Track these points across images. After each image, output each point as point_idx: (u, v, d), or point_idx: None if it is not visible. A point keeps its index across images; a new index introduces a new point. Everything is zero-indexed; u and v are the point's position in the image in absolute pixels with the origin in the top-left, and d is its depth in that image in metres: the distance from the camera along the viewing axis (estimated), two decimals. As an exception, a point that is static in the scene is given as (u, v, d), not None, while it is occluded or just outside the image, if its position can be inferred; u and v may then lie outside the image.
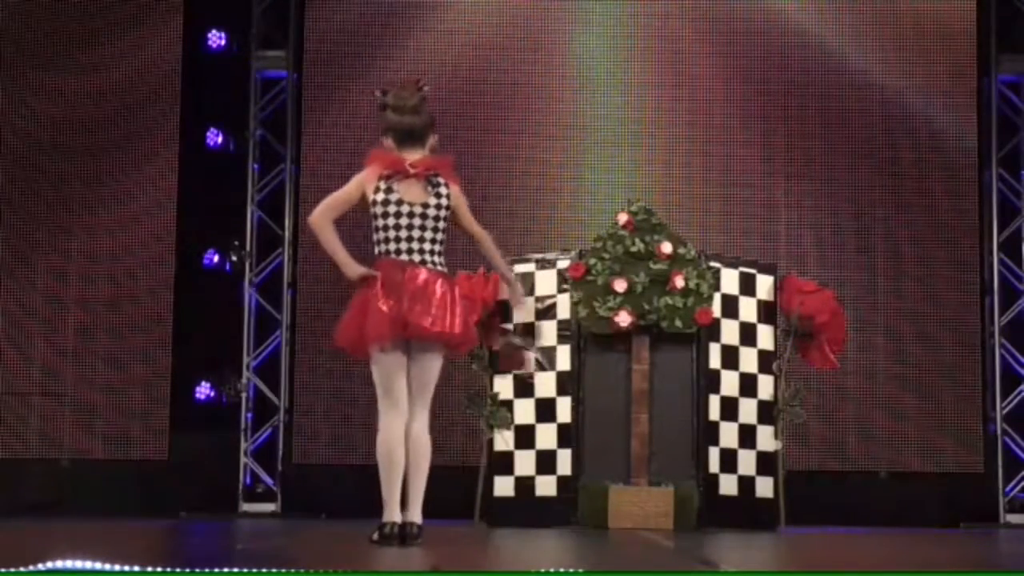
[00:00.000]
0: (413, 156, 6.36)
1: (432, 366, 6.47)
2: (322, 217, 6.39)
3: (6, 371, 11.96)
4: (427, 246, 6.31)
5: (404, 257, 6.29)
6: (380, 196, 6.30)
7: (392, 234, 6.31)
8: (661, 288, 9.04)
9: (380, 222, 6.32)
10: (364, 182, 6.35)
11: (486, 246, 6.56)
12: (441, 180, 6.37)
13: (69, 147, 12.17)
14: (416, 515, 6.49)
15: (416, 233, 6.29)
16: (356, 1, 12.29)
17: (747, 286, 9.43)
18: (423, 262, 6.30)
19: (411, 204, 6.30)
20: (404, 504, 6.50)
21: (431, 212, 6.31)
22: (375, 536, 6.41)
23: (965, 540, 8.47)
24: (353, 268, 6.35)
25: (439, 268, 6.36)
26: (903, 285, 11.92)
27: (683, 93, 12.07)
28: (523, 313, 8.73)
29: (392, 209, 6.29)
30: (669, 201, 11.58)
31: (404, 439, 6.47)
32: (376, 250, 6.41)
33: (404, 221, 6.29)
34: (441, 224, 6.33)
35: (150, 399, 11.95)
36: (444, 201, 6.34)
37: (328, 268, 11.92)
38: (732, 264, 9.44)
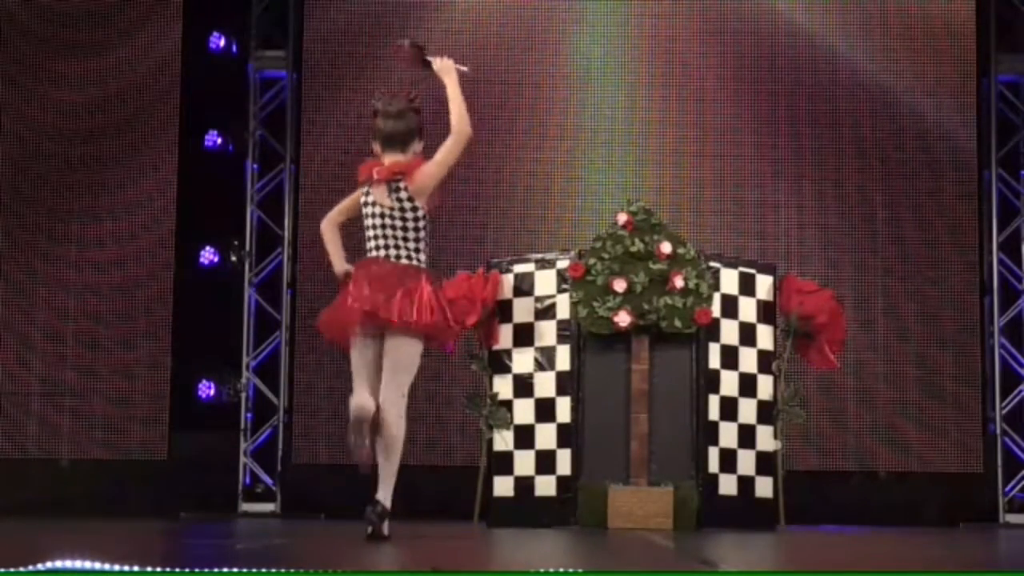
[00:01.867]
0: (391, 160, 6.81)
1: (401, 352, 6.76)
2: (326, 222, 7.03)
3: (5, 371, 11.96)
4: (400, 243, 6.74)
5: (379, 253, 6.75)
6: (363, 199, 6.83)
7: (370, 233, 6.80)
8: (661, 288, 9.04)
9: (364, 223, 6.84)
10: (358, 192, 6.89)
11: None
12: (402, 184, 6.76)
13: (69, 149, 12.17)
14: (383, 496, 6.72)
15: (388, 232, 6.74)
16: (356, 1, 12.29)
17: (746, 286, 9.43)
18: (397, 257, 6.74)
19: (380, 206, 6.77)
20: (375, 486, 6.76)
21: (396, 213, 6.73)
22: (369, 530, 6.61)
23: (965, 540, 8.47)
24: (339, 266, 6.96)
25: (413, 263, 6.76)
26: (902, 285, 11.93)
27: (683, 93, 12.08)
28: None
29: (368, 211, 6.80)
30: (669, 201, 11.60)
31: (372, 422, 6.69)
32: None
33: (377, 221, 6.77)
34: (410, 223, 6.76)
35: (150, 399, 11.96)
36: (407, 204, 6.74)
37: (327, 268, 11.99)
38: (731, 264, 9.44)
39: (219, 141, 12.20)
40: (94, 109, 12.20)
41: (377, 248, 6.75)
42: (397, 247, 6.73)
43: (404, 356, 6.78)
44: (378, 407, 6.73)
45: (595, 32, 12.16)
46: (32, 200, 12.12)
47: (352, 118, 12.09)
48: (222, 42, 12.23)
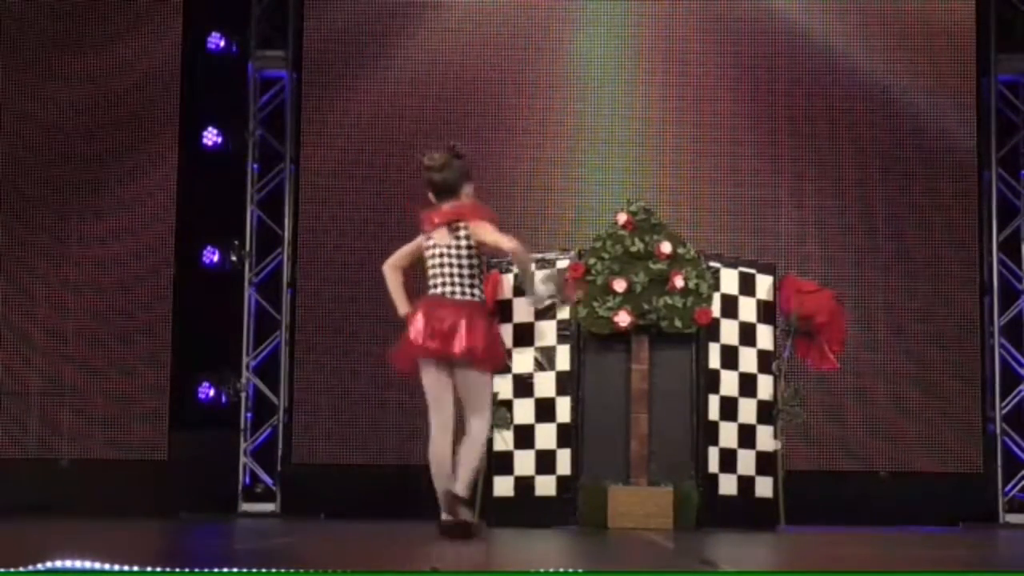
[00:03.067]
0: (447, 205, 7.31)
1: (470, 382, 7.32)
2: (388, 266, 7.53)
3: (6, 371, 11.96)
4: (457, 279, 7.26)
5: (439, 291, 7.27)
6: (425, 243, 7.36)
7: (432, 272, 7.33)
8: (660, 288, 9.04)
9: (426, 263, 7.36)
10: (421, 237, 7.40)
11: (517, 259, 7.47)
12: (462, 224, 7.28)
13: (70, 149, 12.17)
14: (459, 488, 7.22)
15: (447, 270, 7.27)
16: (356, 1, 12.28)
17: (746, 286, 9.43)
18: (453, 293, 7.26)
19: (441, 247, 7.29)
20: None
21: (454, 251, 7.26)
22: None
23: (965, 540, 8.47)
24: (403, 308, 7.46)
25: (468, 297, 7.28)
26: (902, 285, 11.92)
27: (685, 93, 12.07)
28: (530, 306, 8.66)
29: (429, 253, 7.33)
30: (668, 200, 11.59)
31: (449, 446, 7.27)
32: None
33: (437, 261, 7.30)
34: (465, 262, 7.28)
35: (150, 399, 11.95)
36: (464, 241, 7.26)
37: (327, 269, 11.99)
38: (731, 264, 9.44)
39: (219, 141, 12.20)
40: (94, 107, 12.20)
41: (436, 286, 7.27)
42: (455, 284, 7.26)
43: (476, 387, 7.32)
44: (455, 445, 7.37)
45: (595, 32, 12.16)
46: (32, 197, 12.11)
47: (352, 118, 12.10)
48: (222, 42, 12.23)
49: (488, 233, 7.26)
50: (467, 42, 12.13)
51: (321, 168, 12.13)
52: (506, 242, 7.24)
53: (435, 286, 7.27)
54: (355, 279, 11.85)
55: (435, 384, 7.26)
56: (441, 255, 7.27)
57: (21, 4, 12.22)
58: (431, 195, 7.37)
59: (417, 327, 7.20)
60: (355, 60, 12.16)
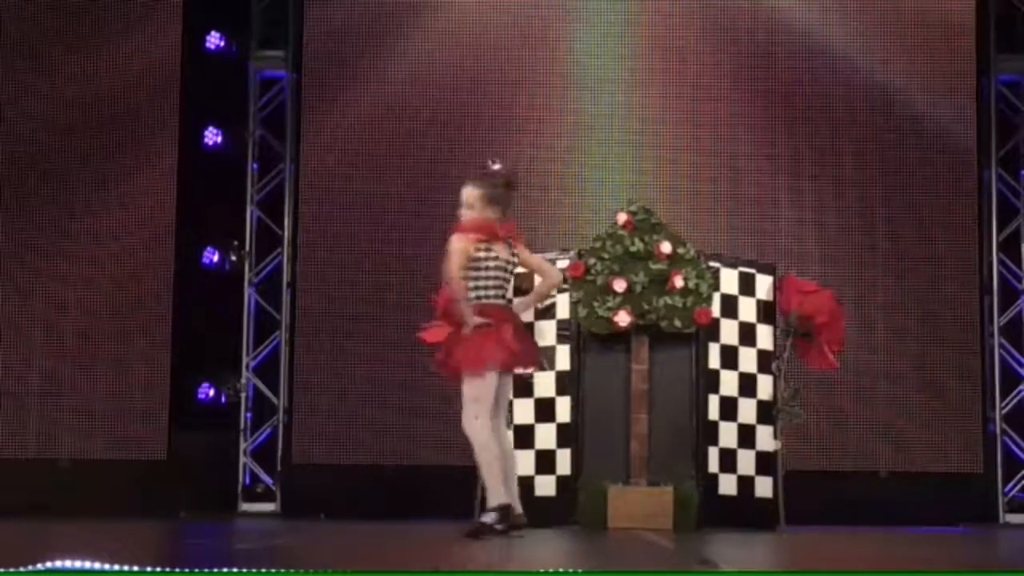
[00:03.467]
0: (500, 221, 7.62)
1: (510, 388, 7.86)
2: (457, 281, 7.53)
3: (6, 372, 11.95)
4: (509, 293, 7.72)
5: (502, 301, 7.59)
6: (481, 254, 7.55)
7: (491, 283, 7.56)
8: (660, 288, 9.04)
9: (481, 274, 7.54)
10: (468, 244, 7.55)
11: (544, 287, 7.89)
12: (512, 241, 7.66)
13: (69, 149, 12.17)
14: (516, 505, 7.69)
15: (503, 284, 7.63)
16: (356, 1, 12.28)
17: (746, 286, 9.43)
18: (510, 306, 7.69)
19: (502, 260, 7.60)
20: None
21: (510, 267, 7.66)
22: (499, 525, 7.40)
23: (965, 540, 8.47)
24: (473, 320, 7.49)
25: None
26: (902, 285, 11.92)
27: (682, 92, 12.07)
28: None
29: (492, 264, 7.56)
30: (667, 199, 11.58)
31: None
32: (474, 295, 7.50)
33: (499, 273, 7.59)
34: (512, 277, 7.73)
35: (150, 399, 11.94)
36: (515, 259, 7.67)
37: (327, 269, 11.98)
38: (731, 264, 9.44)
39: (219, 141, 12.20)
40: (93, 106, 12.18)
41: (499, 297, 7.60)
42: (508, 298, 7.73)
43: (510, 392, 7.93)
44: None
45: (594, 31, 12.15)
46: (32, 196, 12.10)
47: (352, 118, 12.09)
48: (221, 42, 12.22)
49: (534, 259, 7.78)
50: (467, 42, 12.13)
51: (321, 168, 12.13)
52: (551, 273, 7.78)
53: (499, 296, 7.58)
54: (355, 279, 11.85)
55: (495, 388, 7.51)
56: (500, 268, 7.57)
57: (21, 2, 12.22)
58: (495, 209, 7.56)
59: (511, 334, 7.48)
60: (355, 60, 12.15)
